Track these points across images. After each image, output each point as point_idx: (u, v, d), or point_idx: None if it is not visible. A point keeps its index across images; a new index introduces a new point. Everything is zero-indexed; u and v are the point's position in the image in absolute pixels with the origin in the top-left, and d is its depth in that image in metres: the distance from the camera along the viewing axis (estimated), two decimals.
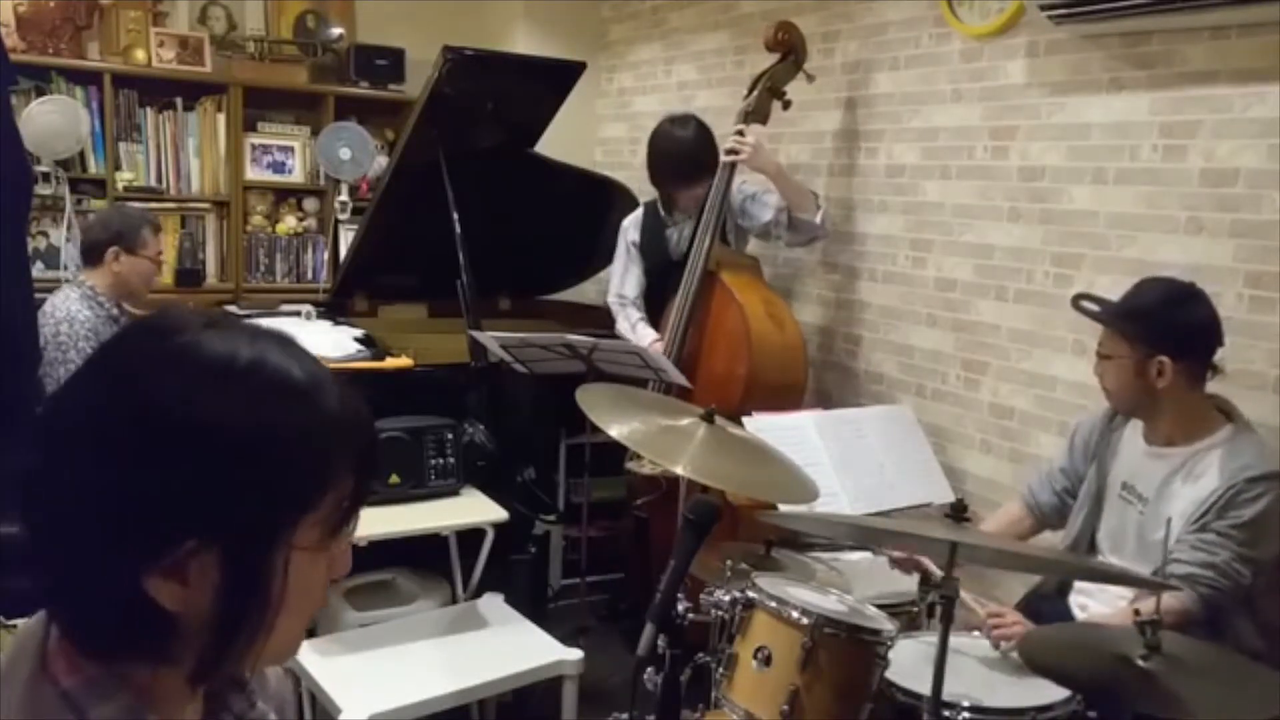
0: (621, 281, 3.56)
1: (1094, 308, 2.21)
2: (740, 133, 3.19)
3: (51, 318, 3.03)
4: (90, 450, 0.78)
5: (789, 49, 3.26)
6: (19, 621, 2.59)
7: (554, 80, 3.75)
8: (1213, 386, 2.26)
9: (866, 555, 2.64)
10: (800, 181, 3.37)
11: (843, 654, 1.85)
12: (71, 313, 3.04)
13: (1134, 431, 2.28)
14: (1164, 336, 2.09)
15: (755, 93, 3.27)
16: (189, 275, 4.30)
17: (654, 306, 3.51)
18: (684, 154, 3.30)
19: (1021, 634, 2.00)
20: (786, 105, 3.31)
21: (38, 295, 3.00)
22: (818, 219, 3.23)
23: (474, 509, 2.90)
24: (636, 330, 3.46)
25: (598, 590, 3.53)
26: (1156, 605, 1.74)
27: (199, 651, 0.81)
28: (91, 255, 3.18)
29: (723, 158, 3.22)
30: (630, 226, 3.57)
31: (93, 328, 3.05)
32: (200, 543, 0.78)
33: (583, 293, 4.42)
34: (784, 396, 3.16)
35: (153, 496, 0.76)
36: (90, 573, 0.79)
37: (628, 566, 3.61)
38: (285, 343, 0.85)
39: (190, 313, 0.84)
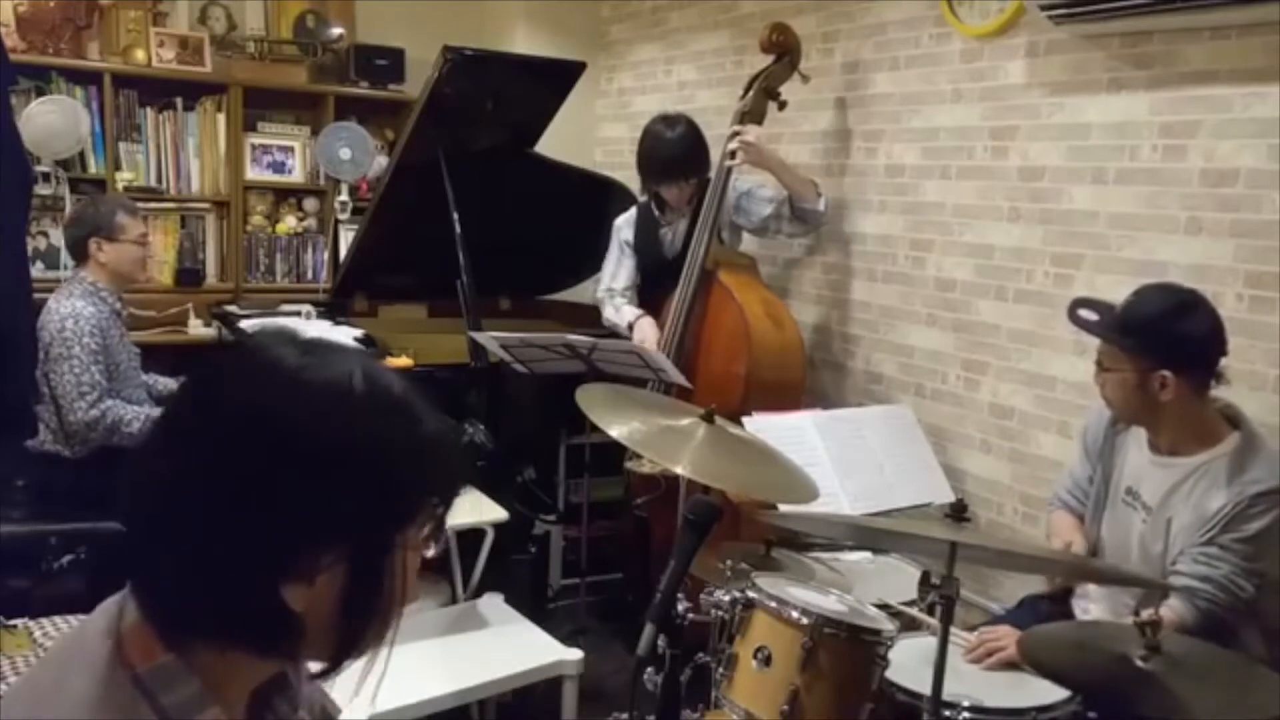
0: (613, 276, 3.59)
1: (1091, 317, 2.14)
2: (737, 133, 3.21)
3: (56, 314, 3.03)
4: (229, 481, 0.82)
5: (784, 50, 3.29)
6: (19, 621, 2.59)
7: (554, 80, 3.75)
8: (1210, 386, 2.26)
9: (866, 555, 2.64)
10: (799, 168, 3.40)
11: (843, 654, 1.85)
12: (76, 309, 3.04)
13: (1138, 435, 2.24)
14: (1166, 350, 2.02)
15: (751, 93, 3.30)
16: (189, 275, 4.30)
17: (650, 306, 3.52)
18: (668, 153, 3.32)
19: (1010, 655, 2.00)
20: (782, 106, 3.33)
21: (40, 296, 3.01)
22: (821, 205, 3.27)
23: (474, 509, 2.90)
24: (620, 311, 3.48)
25: (598, 590, 3.53)
26: (1156, 609, 1.74)
27: (329, 647, 0.89)
28: (77, 251, 3.19)
29: (725, 161, 3.24)
30: (624, 225, 3.58)
31: (97, 323, 3.06)
32: (336, 555, 0.85)
33: (582, 293, 4.41)
34: (783, 395, 3.16)
35: (292, 519, 0.83)
36: (231, 585, 0.83)
37: (626, 566, 3.61)
38: (371, 358, 0.91)
39: (282, 338, 0.89)
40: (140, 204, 3.51)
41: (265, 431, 0.83)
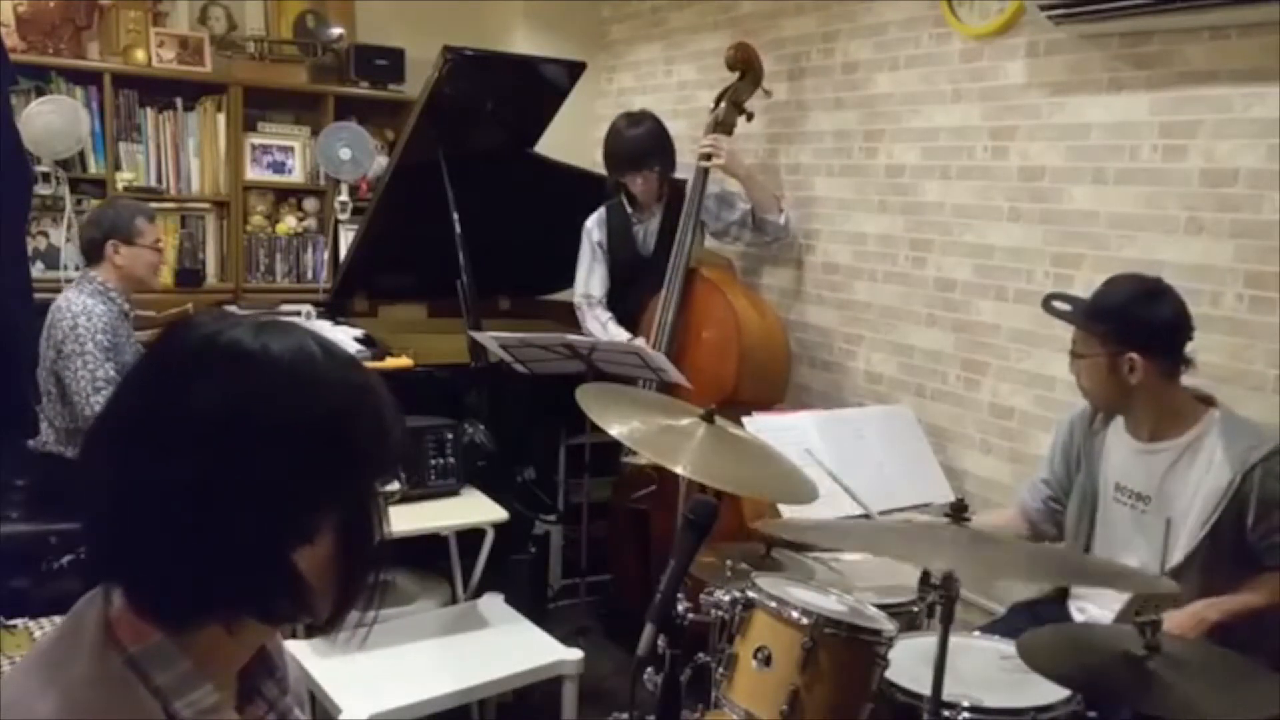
0: (587, 281, 3.63)
1: (1065, 307, 2.24)
2: (714, 141, 3.35)
3: (68, 312, 3.05)
4: (227, 472, 0.84)
5: (746, 67, 3.43)
6: (19, 621, 2.60)
7: (554, 80, 3.75)
8: (1210, 386, 2.26)
9: (866, 555, 2.63)
10: (765, 182, 3.49)
11: (843, 654, 1.85)
12: (87, 306, 3.06)
13: (1118, 432, 2.28)
14: (1132, 334, 2.11)
15: (721, 106, 3.44)
16: (189, 275, 4.29)
17: (628, 307, 3.53)
18: (631, 145, 3.44)
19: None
20: (749, 118, 3.47)
21: (40, 296, 3.02)
22: (782, 220, 3.42)
23: (474, 509, 2.90)
24: (608, 330, 3.52)
25: (598, 590, 3.53)
26: (1156, 608, 1.74)
27: (331, 598, 0.93)
28: (91, 252, 3.21)
29: (698, 162, 3.36)
30: (594, 227, 3.63)
31: (108, 322, 3.08)
32: (330, 511, 0.89)
33: None
34: (771, 381, 3.29)
35: (292, 490, 0.86)
36: (244, 566, 0.86)
37: (619, 566, 3.60)
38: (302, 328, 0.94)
39: (226, 319, 0.91)
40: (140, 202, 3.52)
41: (254, 418, 0.85)
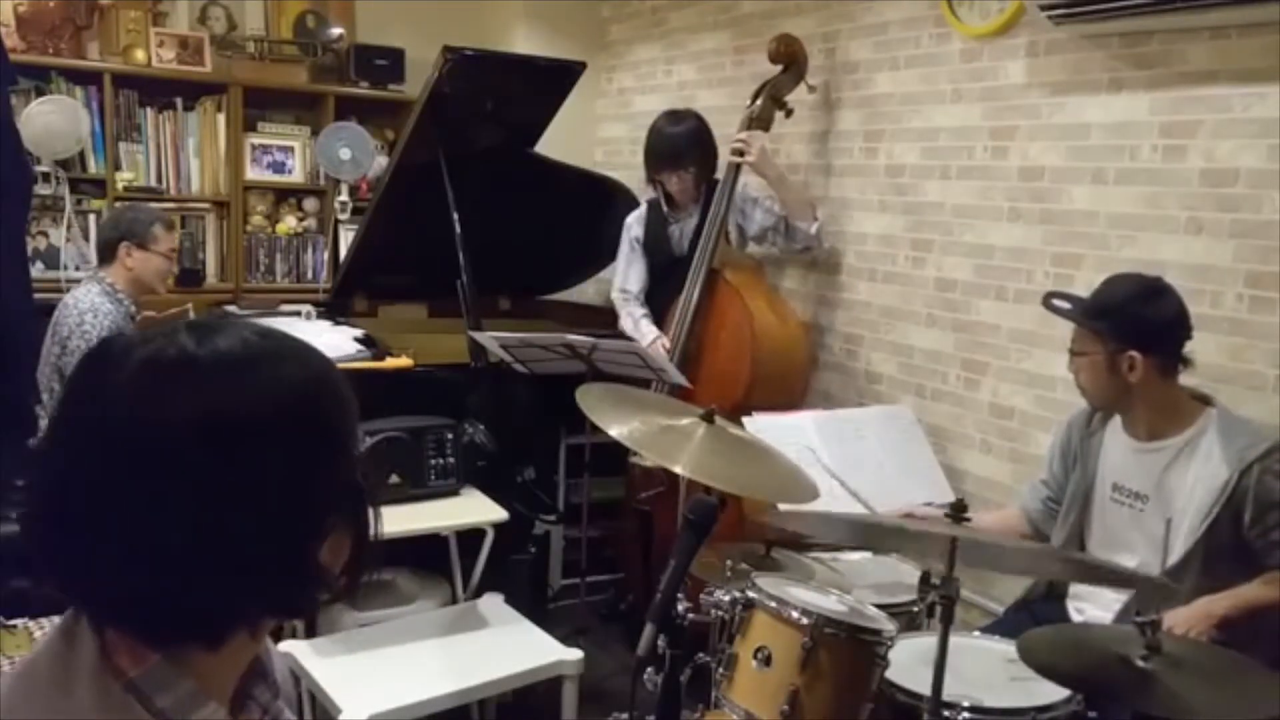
0: (625, 276, 3.60)
1: (1065, 305, 2.25)
2: (746, 138, 3.28)
3: (75, 309, 3.09)
4: (228, 469, 0.82)
5: (791, 60, 3.37)
6: (19, 622, 2.59)
7: (554, 80, 3.74)
8: (1210, 386, 2.27)
9: (866, 555, 2.64)
10: (800, 186, 3.44)
11: (843, 654, 1.85)
12: (95, 304, 3.11)
13: (1115, 432, 2.29)
14: (1133, 332, 2.12)
15: (759, 101, 3.37)
16: (189, 275, 4.29)
17: (657, 308, 3.52)
18: (670, 143, 3.40)
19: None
20: (789, 114, 3.40)
21: (40, 296, 3.02)
22: (813, 229, 3.35)
23: (474, 509, 2.90)
24: (640, 327, 3.49)
25: (598, 590, 3.53)
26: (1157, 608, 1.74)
27: (347, 567, 0.93)
28: (105, 252, 3.26)
29: (729, 158, 3.30)
30: (634, 223, 3.60)
31: (114, 321, 3.11)
32: (328, 490, 0.89)
33: (583, 293, 4.42)
34: (786, 388, 3.26)
35: (294, 477, 0.85)
36: (269, 561, 0.85)
37: (627, 564, 3.61)
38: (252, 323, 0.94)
39: (165, 330, 0.87)
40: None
41: (229, 421, 0.82)
